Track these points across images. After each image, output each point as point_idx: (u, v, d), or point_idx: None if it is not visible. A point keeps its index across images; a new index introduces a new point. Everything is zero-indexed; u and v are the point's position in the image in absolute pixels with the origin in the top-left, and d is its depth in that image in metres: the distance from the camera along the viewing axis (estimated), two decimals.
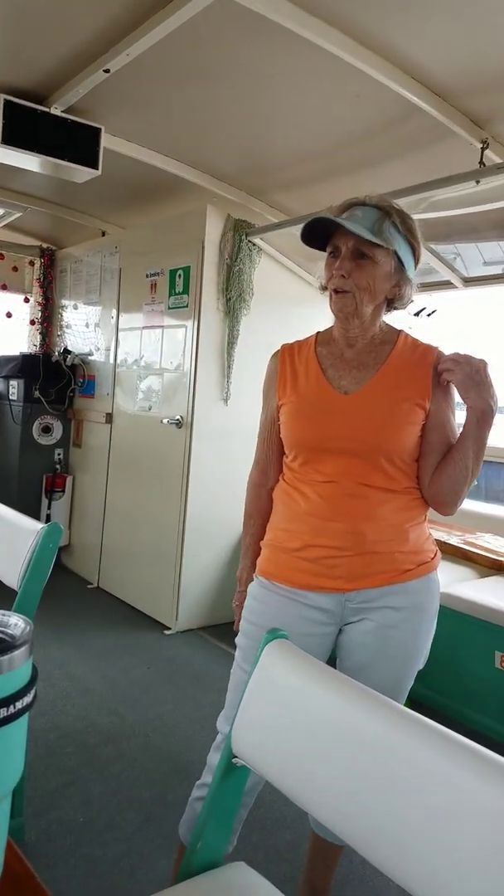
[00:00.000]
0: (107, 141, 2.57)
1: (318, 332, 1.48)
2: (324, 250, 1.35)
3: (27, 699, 0.51)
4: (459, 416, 1.38)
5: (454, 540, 2.97)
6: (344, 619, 1.36)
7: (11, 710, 0.49)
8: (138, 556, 3.71)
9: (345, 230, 1.27)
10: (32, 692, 0.52)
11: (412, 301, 1.41)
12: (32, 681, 0.52)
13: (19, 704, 0.50)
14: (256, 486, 1.52)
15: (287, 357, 1.45)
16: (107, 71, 2.14)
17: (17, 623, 0.53)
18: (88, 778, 2.10)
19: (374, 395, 1.33)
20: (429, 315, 3.61)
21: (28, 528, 1.63)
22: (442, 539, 2.31)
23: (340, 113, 2.39)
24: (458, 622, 2.49)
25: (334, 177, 2.86)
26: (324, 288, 1.38)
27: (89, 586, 4.03)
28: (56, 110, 2.44)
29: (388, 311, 1.40)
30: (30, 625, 0.53)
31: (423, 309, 3.63)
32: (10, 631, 0.53)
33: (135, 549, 3.74)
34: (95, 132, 2.51)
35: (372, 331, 1.38)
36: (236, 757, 0.96)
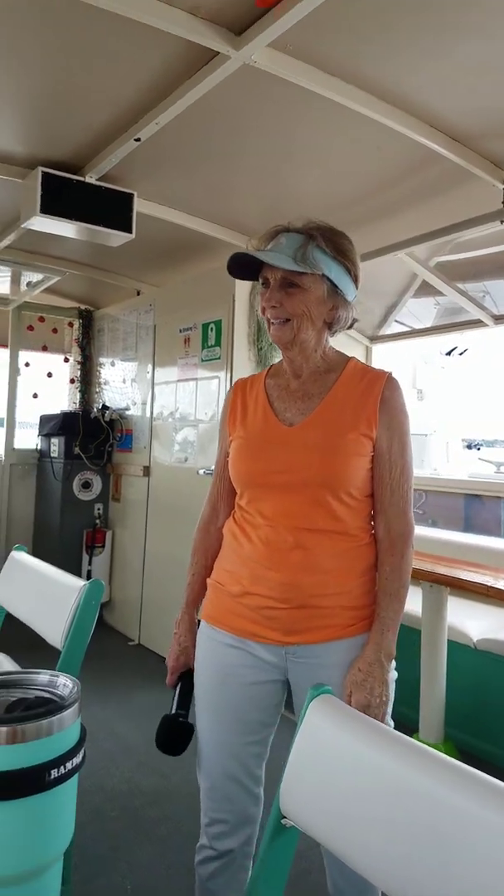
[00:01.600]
0: (139, 205, 2.68)
1: (271, 365, 1.44)
2: (257, 280, 1.32)
3: (77, 759, 0.50)
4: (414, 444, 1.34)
5: (502, 584, 2.87)
6: (287, 672, 1.29)
7: (62, 770, 0.48)
8: (178, 611, 3.67)
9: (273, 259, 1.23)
10: (81, 752, 0.51)
11: (355, 321, 1.36)
12: (81, 741, 0.51)
13: (69, 765, 0.49)
14: (205, 522, 1.47)
15: (239, 391, 1.41)
16: (138, 140, 2.24)
17: (65, 683, 0.53)
18: (134, 842, 2.03)
19: (317, 426, 1.27)
20: (460, 354, 3.60)
21: (70, 586, 1.63)
22: (489, 583, 2.23)
23: (362, 165, 2.45)
24: None
25: (358, 226, 2.91)
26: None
27: (130, 643, 3.99)
28: (91, 179, 2.56)
29: (330, 335, 1.35)
30: (78, 685, 0.53)
31: (455, 348, 3.62)
32: (58, 691, 0.52)
33: (175, 604, 3.68)
34: (128, 198, 2.63)
35: (314, 358, 1.32)
36: (285, 817, 0.92)
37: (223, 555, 1.39)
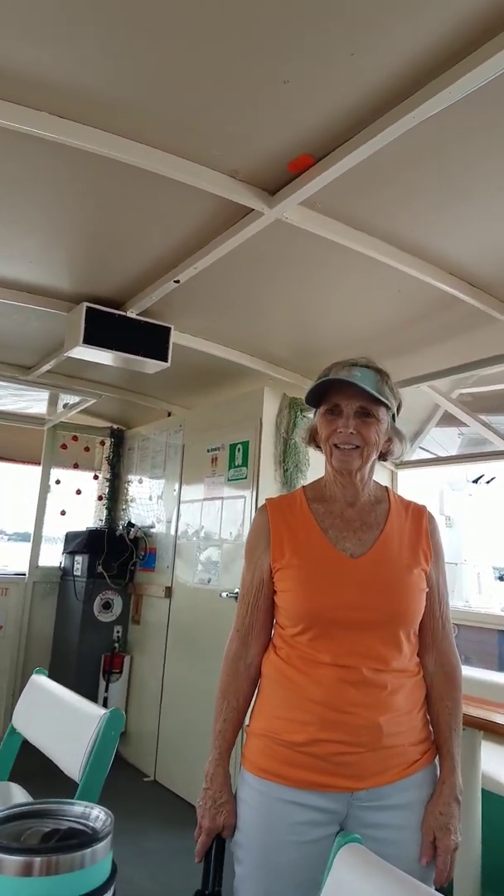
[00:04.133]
0: (175, 337, 2.87)
1: (303, 488, 1.42)
2: (314, 407, 1.36)
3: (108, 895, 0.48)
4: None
5: None
6: (349, 822, 1.20)
7: None
8: (198, 747, 3.47)
9: (347, 390, 1.28)
10: (111, 890, 0.49)
11: (403, 453, 1.41)
12: (113, 876, 0.50)
13: None
14: (234, 659, 1.36)
15: (278, 513, 1.36)
16: (177, 281, 2.44)
17: (98, 815, 0.52)
18: None
19: (382, 560, 1.27)
20: (488, 482, 3.63)
21: (90, 714, 1.58)
22: None
23: (383, 305, 2.62)
24: None
25: (379, 359, 3.05)
26: (312, 443, 1.39)
27: (145, 779, 3.76)
28: (131, 314, 2.76)
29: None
30: (111, 817, 0.52)
31: (482, 476, 3.66)
32: (91, 823, 0.51)
33: (194, 739, 3.52)
34: (166, 331, 2.81)
35: (368, 487, 1.35)
36: None
37: (271, 700, 1.29)
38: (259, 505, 3.35)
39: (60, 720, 1.70)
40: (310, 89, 1.50)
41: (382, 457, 1.38)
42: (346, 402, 1.30)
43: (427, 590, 1.29)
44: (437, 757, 1.29)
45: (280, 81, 1.48)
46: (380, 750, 1.19)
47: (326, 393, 1.32)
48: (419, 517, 1.35)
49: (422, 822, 1.21)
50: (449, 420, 3.73)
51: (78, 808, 0.55)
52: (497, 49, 1.26)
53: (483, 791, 2.28)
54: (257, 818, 1.22)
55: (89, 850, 0.48)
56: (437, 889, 1.17)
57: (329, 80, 1.46)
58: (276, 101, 1.54)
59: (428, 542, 1.32)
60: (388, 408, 1.32)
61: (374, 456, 1.33)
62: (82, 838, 0.49)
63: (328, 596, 1.24)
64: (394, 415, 1.36)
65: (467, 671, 3.50)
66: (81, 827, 0.52)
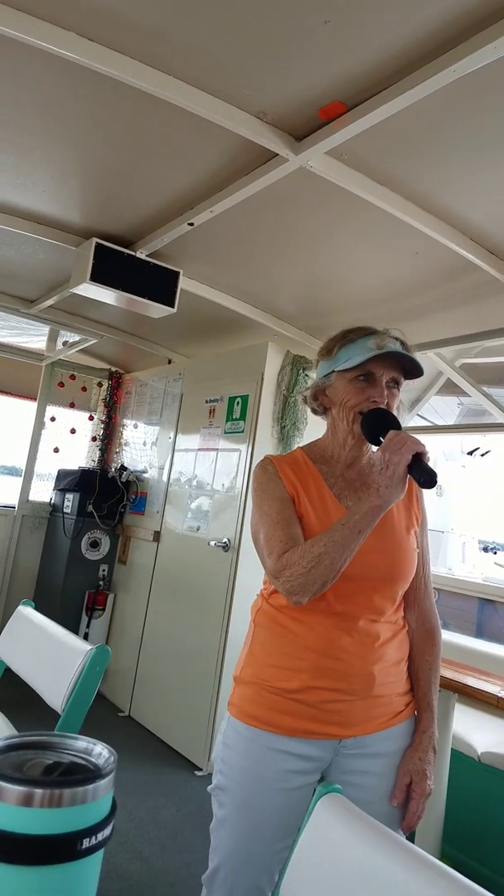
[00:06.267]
0: (183, 282, 2.81)
1: (300, 449, 1.42)
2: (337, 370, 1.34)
3: (107, 831, 0.49)
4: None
5: None
6: (331, 768, 1.25)
7: (93, 841, 0.47)
8: (173, 687, 3.57)
9: (385, 360, 1.29)
10: (111, 825, 0.50)
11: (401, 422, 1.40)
12: (112, 813, 0.51)
13: (100, 836, 0.48)
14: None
15: (285, 467, 1.34)
16: (191, 224, 2.38)
17: (101, 752, 0.52)
18: None
19: (384, 520, 1.26)
20: (482, 455, 3.64)
21: (76, 649, 1.61)
22: (499, 693, 2.17)
23: (399, 268, 2.57)
24: None
25: (387, 322, 2.97)
26: (317, 403, 1.40)
27: (120, 714, 3.87)
28: (141, 254, 2.69)
29: None
30: (114, 755, 0.52)
31: (477, 448, 3.66)
32: (94, 759, 0.52)
33: (170, 679, 3.61)
34: (175, 275, 2.75)
35: (368, 452, 1.38)
36: None
37: (263, 648, 1.31)
38: (256, 460, 3.37)
39: (47, 652, 1.73)
40: (351, 32, 1.43)
41: None
42: (383, 371, 1.32)
43: (418, 550, 1.34)
44: (417, 710, 1.34)
45: (321, 20, 1.40)
46: (369, 698, 1.24)
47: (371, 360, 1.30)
48: (409, 481, 1.31)
49: (399, 766, 1.26)
50: (449, 389, 3.71)
51: (81, 742, 0.56)
52: None
53: (452, 751, 2.37)
54: (244, 764, 1.23)
55: (91, 785, 0.49)
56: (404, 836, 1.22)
57: (372, 23, 1.39)
58: (315, 41, 1.47)
59: (418, 505, 1.39)
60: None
61: None
62: (86, 773, 0.50)
63: None
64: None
65: (446, 635, 3.60)
66: (84, 762, 0.53)
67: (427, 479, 1.15)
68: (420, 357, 3.12)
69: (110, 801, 0.52)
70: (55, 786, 0.48)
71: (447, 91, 1.49)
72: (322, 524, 1.26)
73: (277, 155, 1.89)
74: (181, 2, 1.43)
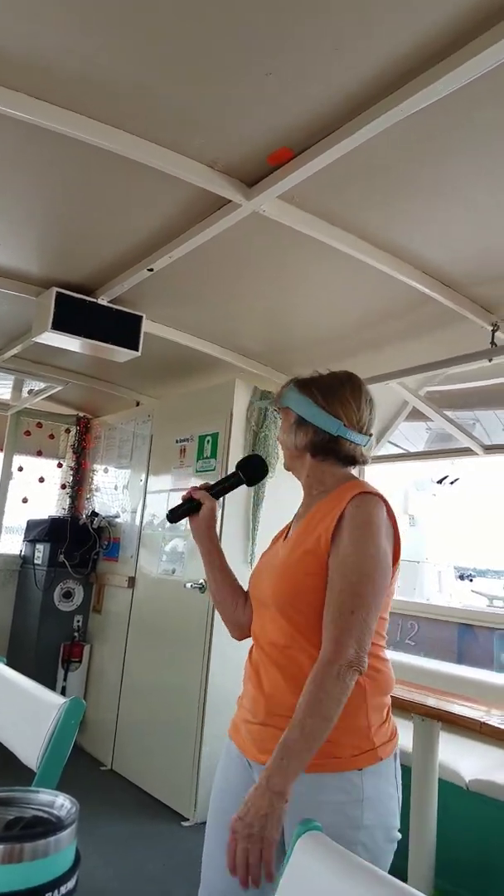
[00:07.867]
0: (146, 325, 2.83)
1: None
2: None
3: (70, 884, 0.47)
4: None
5: (495, 721, 2.75)
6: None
7: (56, 895, 0.46)
8: (156, 736, 3.47)
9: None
10: (75, 878, 0.49)
11: (358, 447, 1.37)
12: (76, 865, 0.49)
13: (63, 889, 0.46)
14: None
15: None
16: (150, 270, 2.41)
17: (63, 804, 0.51)
18: None
19: (288, 545, 1.35)
20: (451, 483, 3.69)
21: (49, 702, 1.56)
22: (483, 719, 2.15)
23: (356, 302, 2.63)
24: None
25: (350, 356, 3.08)
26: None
27: (102, 768, 3.74)
28: (103, 301, 2.72)
29: (319, 461, 1.38)
30: (76, 806, 0.51)
31: (446, 477, 3.71)
32: (56, 812, 0.51)
33: (152, 728, 3.52)
34: (137, 319, 2.78)
35: (307, 483, 1.41)
36: None
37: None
38: (225, 498, 3.35)
39: (19, 708, 1.68)
40: (292, 83, 1.49)
41: (322, 452, 1.36)
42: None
43: (320, 574, 1.22)
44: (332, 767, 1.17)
45: (263, 73, 1.47)
46: (267, 727, 1.24)
47: None
48: (342, 500, 1.26)
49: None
50: (417, 415, 3.78)
51: (43, 796, 0.54)
52: (477, 51, 1.27)
53: (440, 780, 2.33)
54: (219, 770, 1.37)
55: (53, 838, 0.48)
56: None
57: (312, 74, 1.46)
58: (259, 93, 1.53)
59: (331, 524, 1.23)
60: (285, 409, 1.42)
61: (294, 454, 1.41)
62: (47, 826, 0.49)
63: (252, 578, 1.46)
64: (319, 404, 1.35)
65: (427, 663, 3.58)
66: (46, 815, 0.51)
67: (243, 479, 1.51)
68: (383, 387, 3.19)
69: (73, 852, 0.50)
70: (14, 840, 0.46)
71: (389, 133, 1.55)
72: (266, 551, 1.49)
73: (231, 201, 1.95)
74: (130, 61, 1.49)
